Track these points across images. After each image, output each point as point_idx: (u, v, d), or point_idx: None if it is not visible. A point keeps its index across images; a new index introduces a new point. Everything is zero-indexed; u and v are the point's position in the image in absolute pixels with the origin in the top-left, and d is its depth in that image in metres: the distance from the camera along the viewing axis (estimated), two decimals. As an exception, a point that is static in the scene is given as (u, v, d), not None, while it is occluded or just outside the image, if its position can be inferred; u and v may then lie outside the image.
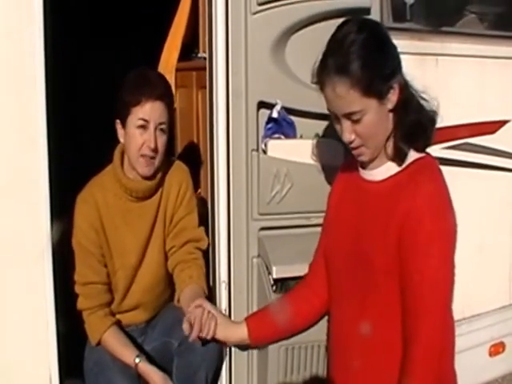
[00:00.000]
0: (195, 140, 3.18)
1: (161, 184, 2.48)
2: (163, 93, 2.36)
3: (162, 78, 2.48)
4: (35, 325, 2.24)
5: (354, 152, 1.94)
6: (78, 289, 2.40)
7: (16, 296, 2.22)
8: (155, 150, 2.34)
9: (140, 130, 2.33)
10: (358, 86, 1.81)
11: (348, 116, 1.85)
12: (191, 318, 2.17)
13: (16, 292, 2.21)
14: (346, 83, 1.81)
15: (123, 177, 2.41)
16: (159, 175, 2.45)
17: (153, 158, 2.36)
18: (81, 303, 2.40)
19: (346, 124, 1.87)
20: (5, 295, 2.21)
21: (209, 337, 2.19)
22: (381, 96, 1.85)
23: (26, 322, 2.23)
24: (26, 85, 2.14)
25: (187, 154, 3.22)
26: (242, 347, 2.39)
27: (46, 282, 2.23)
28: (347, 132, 1.88)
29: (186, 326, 2.15)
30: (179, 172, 2.54)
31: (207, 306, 2.24)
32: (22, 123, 2.14)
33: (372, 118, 1.86)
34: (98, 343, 2.41)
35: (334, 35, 1.89)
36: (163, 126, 2.36)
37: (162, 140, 2.36)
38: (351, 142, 1.90)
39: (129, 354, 2.35)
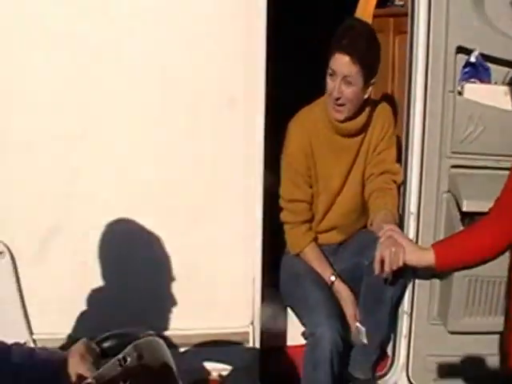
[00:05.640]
0: (390, 83, 3.27)
1: (366, 126, 2.64)
2: (354, 48, 2.43)
3: (361, 33, 2.50)
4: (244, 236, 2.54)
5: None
6: (282, 203, 2.68)
7: (228, 207, 2.53)
8: (339, 99, 2.50)
9: (331, 78, 2.51)
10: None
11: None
12: (382, 254, 2.26)
13: (229, 203, 2.52)
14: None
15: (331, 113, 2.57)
16: (363, 117, 2.60)
17: (340, 105, 2.52)
18: (285, 216, 2.69)
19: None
20: (217, 205, 2.52)
21: (398, 266, 2.27)
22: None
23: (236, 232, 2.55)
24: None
25: (382, 96, 3.26)
26: (426, 275, 2.53)
27: (256, 192, 2.50)
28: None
29: (377, 266, 2.27)
30: (384, 112, 2.71)
31: (397, 232, 2.34)
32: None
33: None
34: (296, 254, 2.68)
35: None
36: (349, 79, 2.47)
37: (347, 91, 2.49)
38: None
39: (326, 270, 2.64)
